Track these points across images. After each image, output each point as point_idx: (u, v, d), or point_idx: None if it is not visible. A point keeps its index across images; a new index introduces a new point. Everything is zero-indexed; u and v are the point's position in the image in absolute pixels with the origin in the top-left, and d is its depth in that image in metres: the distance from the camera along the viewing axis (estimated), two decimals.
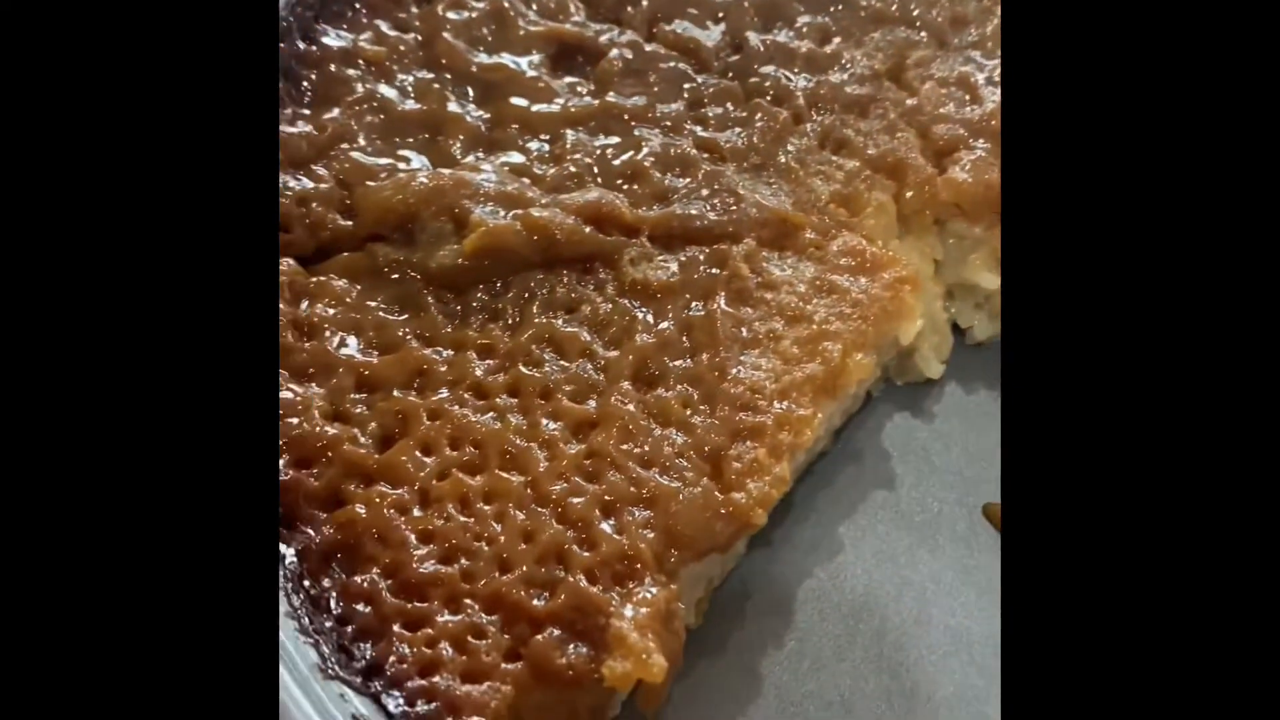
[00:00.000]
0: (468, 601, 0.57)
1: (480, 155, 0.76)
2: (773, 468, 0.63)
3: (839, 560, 0.73)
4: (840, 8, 0.86)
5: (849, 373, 0.68)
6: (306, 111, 0.76)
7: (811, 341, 0.68)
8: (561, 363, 0.66)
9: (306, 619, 0.56)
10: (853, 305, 0.70)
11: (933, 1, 0.86)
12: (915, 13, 0.86)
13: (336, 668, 0.54)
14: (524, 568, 0.58)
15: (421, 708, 0.54)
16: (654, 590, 0.58)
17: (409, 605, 0.57)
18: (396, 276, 0.69)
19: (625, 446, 0.63)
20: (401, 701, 0.54)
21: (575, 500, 0.60)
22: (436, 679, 0.54)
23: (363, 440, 0.62)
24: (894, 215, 0.77)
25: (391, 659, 0.55)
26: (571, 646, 0.56)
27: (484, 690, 0.54)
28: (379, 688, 0.54)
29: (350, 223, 0.71)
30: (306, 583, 0.57)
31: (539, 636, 0.56)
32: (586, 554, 0.59)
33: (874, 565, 0.73)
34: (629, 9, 0.85)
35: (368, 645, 0.56)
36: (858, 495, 0.76)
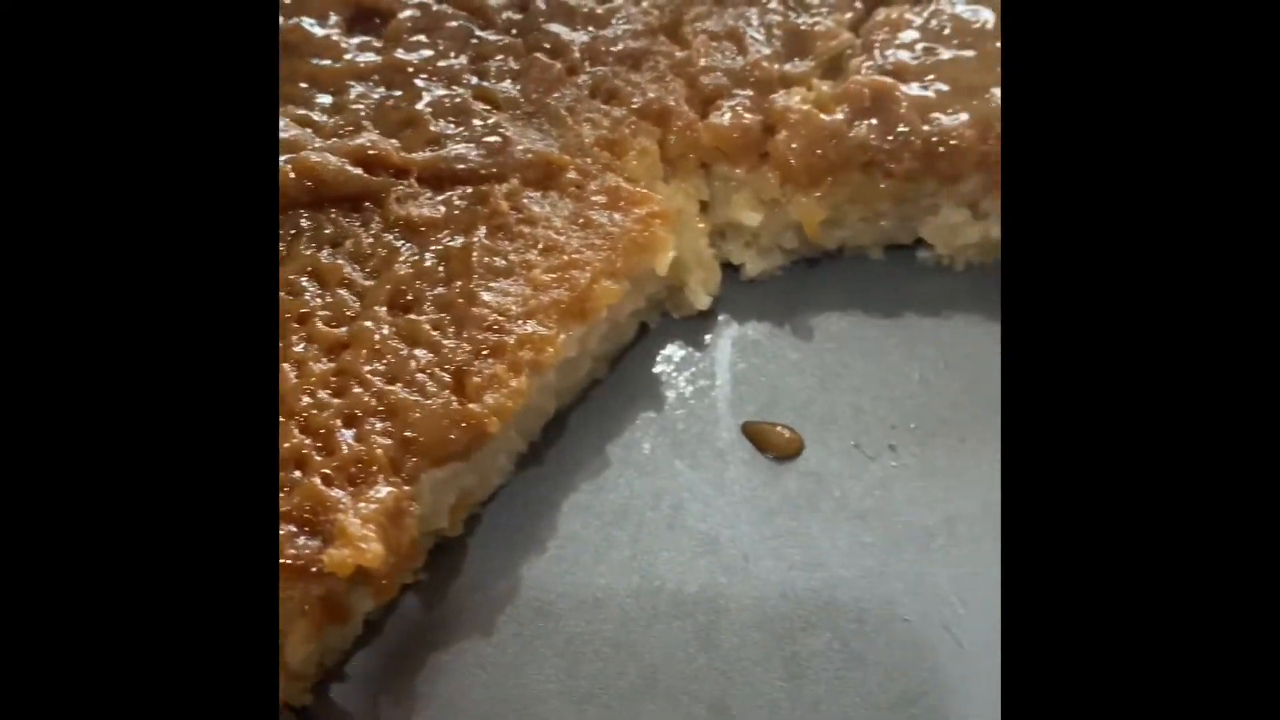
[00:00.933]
0: None
1: None
2: (510, 381, 0.68)
3: (604, 475, 0.79)
4: None
5: (596, 298, 0.73)
6: None
7: (562, 269, 0.74)
8: (321, 291, 0.71)
9: None
10: (604, 237, 0.76)
11: None
12: None
13: None
14: None
15: None
16: (385, 491, 0.64)
17: None
18: None
19: (373, 365, 0.68)
20: None
21: (319, 412, 0.66)
22: None
23: None
24: (657, 158, 0.82)
25: None
26: (302, 539, 0.62)
27: None
28: None
29: None
30: None
31: None
32: (323, 459, 0.64)
33: (635, 478, 0.79)
34: None
35: None
36: (627, 417, 0.82)
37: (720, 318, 0.87)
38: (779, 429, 0.81)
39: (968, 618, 0.73)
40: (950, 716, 0.69)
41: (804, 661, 0.71)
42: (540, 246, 0.75)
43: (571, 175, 0.79)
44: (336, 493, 0.63)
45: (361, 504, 0.62)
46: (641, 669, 0.71)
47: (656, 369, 0.84)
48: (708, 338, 0.86)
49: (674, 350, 0.85)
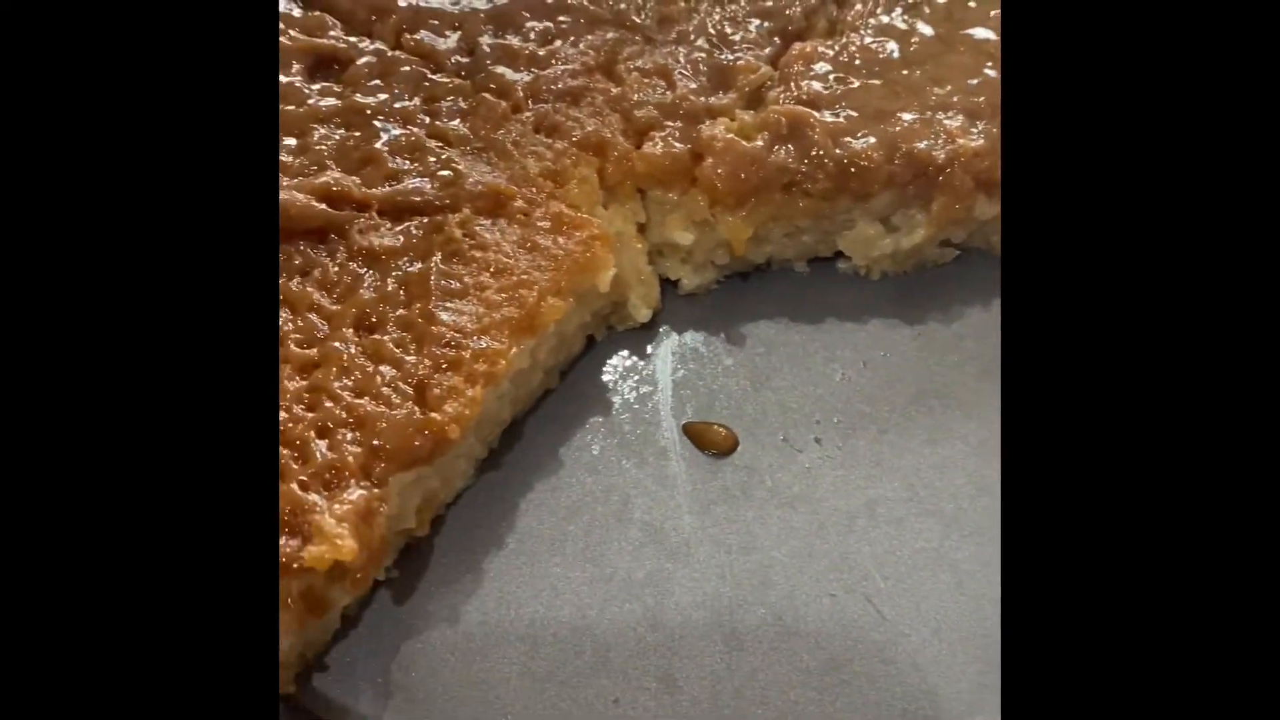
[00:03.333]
0: None
1: None
2: (467, 391, 0.76)
3: (557, 475, 0.86)
4: (564, 15, 1.00)
5: (543, 314, 0.81)
6: None
7: (511, 289, 0.81)
8: (292, 317, 0.78)
9: None
10: (550, 259, 0.84)
11: (642, 5, 1.01)
12: (629, 16, 1.00)
13: None
14: None
15: None
16: (356, 493, 0.71)
17: None
18: None
19: (342, 381, 0.75)
20: None
21: (294, 426, 0.73)
22: None
23: None
24: (597, 186, 0.90)
25: None
26: (283, 540, 0.68)
27: None
28: None
29: None
30: None
31: None
32: (298, 467, 0.71)
33: (586, 476, 0.86)
34: (378, 23, 0.98)
35: None
36: (578, 423, 0.89)
37: (661, 329, 0.95)
38: (716, 428, 0.89)
39: (887, 591, 0.81)
40: (874, 679, 0.77)
41: (742, 635, 0.79)
42: (492, 269, 0.82)
43: (519, 204, 0.87)
44: (312, 497, 0.70)
45: (335, 505, 0.69)
46: (596, 648, 0.78)
47: (604, 378, 0.92)
48: (649, 348, 0.94)
49: (619, 360, 0.93)
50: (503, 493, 0.85)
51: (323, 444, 0.72)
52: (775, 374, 0.92)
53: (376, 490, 0.72)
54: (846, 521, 0.84)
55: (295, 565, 0.67)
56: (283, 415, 0.73)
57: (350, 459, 0.72)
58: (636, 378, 0.92)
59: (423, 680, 0.76)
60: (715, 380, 0.92)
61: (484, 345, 0.78)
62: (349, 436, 0.73)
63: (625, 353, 0.93)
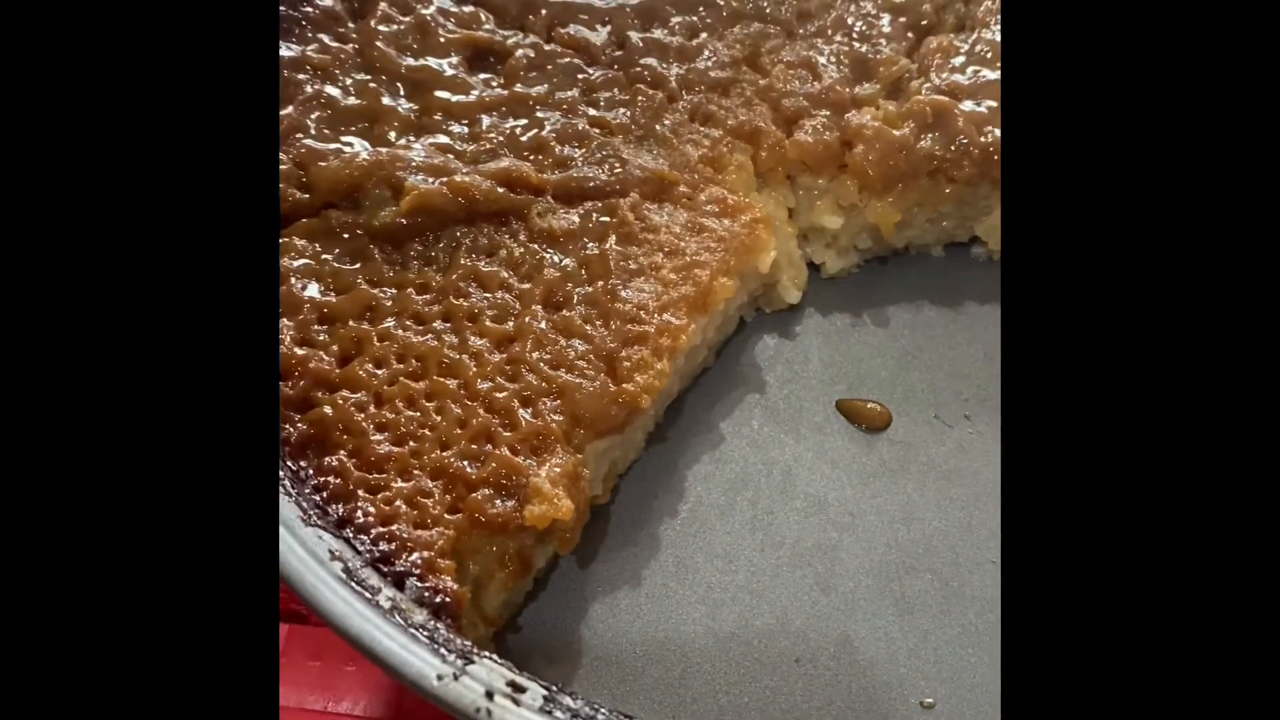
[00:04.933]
0: (416, 472, 0.73)
1: (411, 139, 0.92)
2: (655, 364, 0.79)
3: (720, 449, 0.90)
4: (705, 9, 1.04)
5: (715, 292, 0.85)
6: None
7: (685, 269, 0.85)
8: (485, 294, 0.82)
9: (288, 492, 0.71)
10: (718, 241, 0.87)
11: (780, 0, 1.05)
12: (768, 10, 1.04)
13: (316, 521, 0.70)
14: (460, 445, 0.74)
15: (383, 546, 0.69)
16: (563, 459, 0.74)
17: (370, 476, 0.73)
18: (347, 235, 0.85)
19: (537, 354, 0.79)
20: (367, 541, 0.69)
21: (499, 395, 0.77)
22: (394, 527, 0.70)
23: (325, 359, 0.78)
24: (752, 172, 0.94)
25: (358, 514, 0.71)
26: (499, 501, 0.72)
27: (432, 534, 0.70)
28: (349, 535, 0.70)
29: (307, 195, 0.87)
30: (289, 463, 0.73)
31: (474, 495, 0.72)
32: (509, 434, 0.75)
33: (749, 451, 0.90)
34: (530, 17, 1.02)
35: (338, 505, 0.71)
36: (735, 399, 0.93)
37: (806, 311, 0.98)
38: (869, 404, 0.92)
39: None
40: None
41: (911, 599, 0.82)
42: (665, 250, 0.86)
43: (682, 189, 0.91)
44: (524, 460, 0.74)
45: (546, 469, 0.73)
46: (774, 611, 0.81)
47: (756, 357, 0.96)
48: (797, 329, 0.97)
49: (770, 340, 0.97)
50: (671, 465, 0.89)
51: (527, 412, 0.76)
52: (920, 353, 0.96)
53: (579, 455, 0.75)
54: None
55: (514, 524, 0.71)
56: (487, 385, 0.77)
57: (554, 426, 0.75)
58: (788, 356, 0.96)
59: (611, 639, 0.80)
60: (863, 360, 0.95)
61: (666, 320, 0.82)
62: (550, 405, 0.77)
63: (775, 334, 0.97)
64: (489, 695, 0.60)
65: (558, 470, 0.73)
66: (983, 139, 0.94)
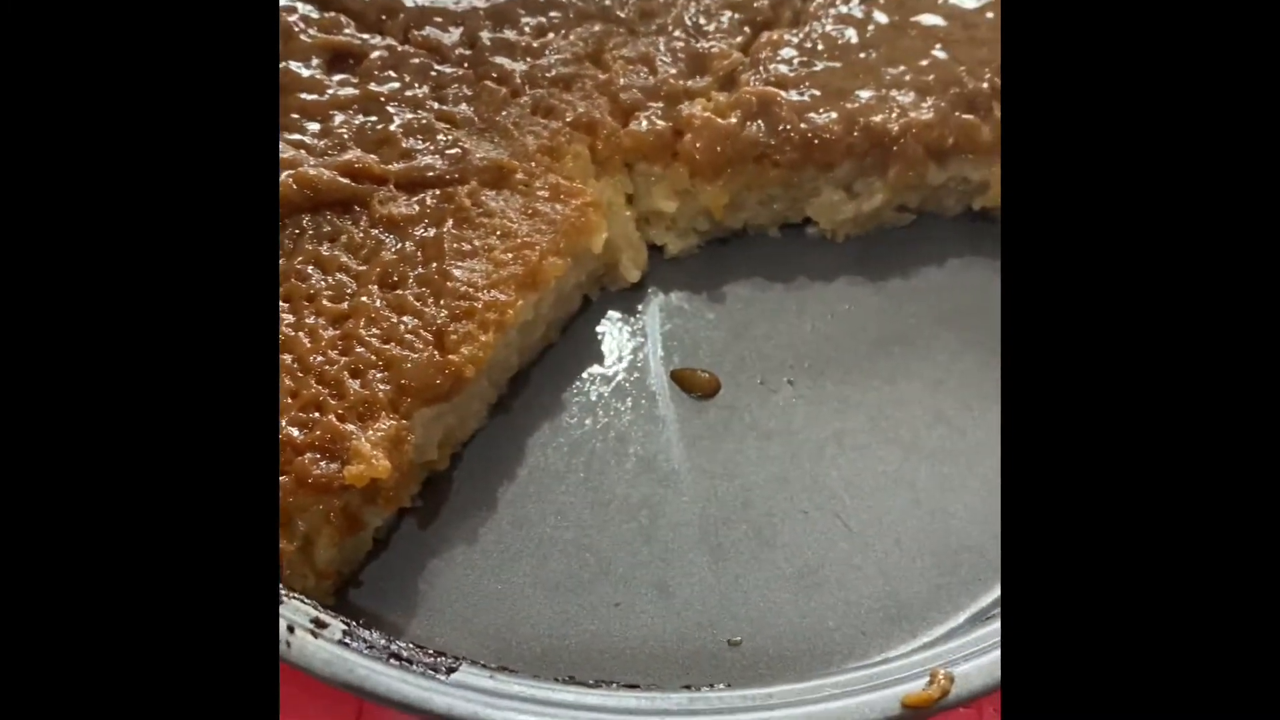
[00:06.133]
0: None
1: None
2: (480, 336, 0.86)
3: (560, 418, 0.97)
4: (554, 10, 1.11)
5: (545, 271, 0.92)
6: None
7: (517, 250, 0.92)
8: (324, 276, 0.89)
9: None
10: (549, 224, 0.94)
11: (625, 1, 1.12)
12: (613, 10, 1.11)
13: None
14: (291, 414, 0.81)
15: None
16: (387, 424, 0.81)
17: None
18: None
19: (370, 330, 0.86)
20: None
21: (329, 368, 0.83)
22: None
23: None
24: (589, 161, 1.01)
25: None
26: (324, 463, 0.79)
27: None
28: None
29: None
30: None
31: (300, 458, 0.79)
32: (336, 403, 0.82)
33: (586, 417, 0.97)
34: (388, 21, 1.09)
35: None
36: (577, 370, 1.00)
37: (649, 289, 1.05)
38: (700, 373, 0.99)
39: (854, 508, 0.91)
40: (844, 582, 0.88)
41: (726, 548, 0.89)
42: (498, 233, 0.93)
43: (520, 176, 0.97)
44: (349, 426, 0.80)
45: (369, 433, 0.80)
46: (599, 561, 0.88)
47: (599, 332, 1.03)
48: (639, 306, 1.05)
49: (613, 317, 1.04)
50: (513, 433, 0.96)
51: (356, 383, 0.83)
52: (752, 326, 1.03)
53: (404, 421, 0.82)
54: (817, 450, 0.94)
55: (336, 484, 0.78)
56: (319, 359, 0.84)
57: (380, 395, 0.82)
58: (629, 332, 1.03)
59: (445, 592, 0.86)
60: (699, 332, 1.02)
61: (494, 297, 0.89)
62: (378, 376, 0.83)
63: (618, 311, 1.04)
64: (290, 629, 0.67)
65: (380, 434, 0.80)
66: (803, 125, 1.02)
